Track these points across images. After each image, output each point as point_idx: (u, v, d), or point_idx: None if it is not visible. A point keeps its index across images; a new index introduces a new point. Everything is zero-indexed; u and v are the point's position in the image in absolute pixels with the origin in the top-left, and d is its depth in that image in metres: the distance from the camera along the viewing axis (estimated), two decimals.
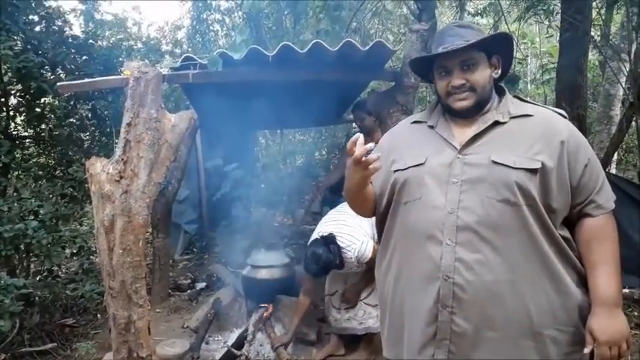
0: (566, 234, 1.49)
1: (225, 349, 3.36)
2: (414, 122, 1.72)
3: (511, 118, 1.52)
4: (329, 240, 3.04)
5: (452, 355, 1.47)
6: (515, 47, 1.63)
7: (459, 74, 1.53)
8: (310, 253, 3.04)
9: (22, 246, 3.49)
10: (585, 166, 1.46)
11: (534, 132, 1.47)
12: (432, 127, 1.63)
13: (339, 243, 3.03)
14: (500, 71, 1.61)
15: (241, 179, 5.19)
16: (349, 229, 3.05)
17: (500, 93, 1.61)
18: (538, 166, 1.41)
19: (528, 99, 1.63)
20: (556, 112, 1.56)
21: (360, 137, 1.42)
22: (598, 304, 1.43)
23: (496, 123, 1.52)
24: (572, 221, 1.51)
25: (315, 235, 3.18)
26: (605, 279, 1.44)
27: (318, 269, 3.03)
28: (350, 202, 1.75)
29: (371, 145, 1.42)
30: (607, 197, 1.49)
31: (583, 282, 1.48)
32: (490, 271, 1.42)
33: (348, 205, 3.38)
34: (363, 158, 1.40)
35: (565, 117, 1.55)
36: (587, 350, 1.43)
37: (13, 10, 3.60)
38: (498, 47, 1.58)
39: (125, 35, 5.45)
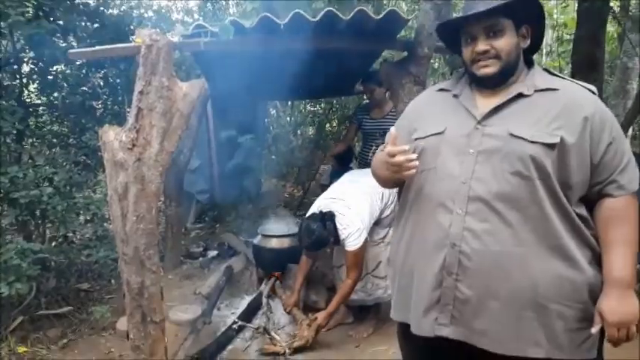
0: (583, 212, 1.47)
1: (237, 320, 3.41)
2: (440, 90, 1.71)
3: (536, 91, 1.49)
4: (327, 217, 3.06)
5: (454, 320, 1.50)
6: (544, 15, 1.58)
7: (484, 40, 1.50)
8: (305, 227, 3.07)
9: (37, 212, 3.55)
10: (609, 145, 1.42)
11: (557, 106, 1.44)
12: (456, 96, 1.62)
13: (336, 223, 3.05)
14: (529, 42, 1.57)
15: (252, 150, 5.20)
16: (350, 212, 3.05)
17: (530, 65, 1.58)
18: (556, 141, 1.38)
19: (557, 72, 1.59)
20: (585, 87, 1.52)
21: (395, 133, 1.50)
22: (610, 284, 1.42)
23: (520, 95, 1.49)
24: (592, 200, 1.48)
25: (314, 209, 3.20)
26: (620, 260, 1.42)
27: (310, 243, 3.07)
28: (376, 179, 1.78)
29: (414, 156, 1.48)
30: (630, 178, 1.46)
31: (597, 261, 1.47)
32: (497, 242, 1.42)
33: (352, 180, 3.41)
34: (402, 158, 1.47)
35: (594, 93, 1.50)
36: (594, 330, 1.43)
37: None
38: (528, 16, 1.53)
39: (136, 3, 5.40)
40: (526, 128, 1.43)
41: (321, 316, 3.15)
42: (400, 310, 1.73)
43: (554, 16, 8.48)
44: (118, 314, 3.56)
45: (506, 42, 1.49)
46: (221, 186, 6.25)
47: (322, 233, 3.02)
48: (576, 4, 4.79)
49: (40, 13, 3.76)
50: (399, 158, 1.47)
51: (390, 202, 3.25)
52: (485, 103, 1.54)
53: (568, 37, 7.81)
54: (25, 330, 3.36)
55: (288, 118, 8.13)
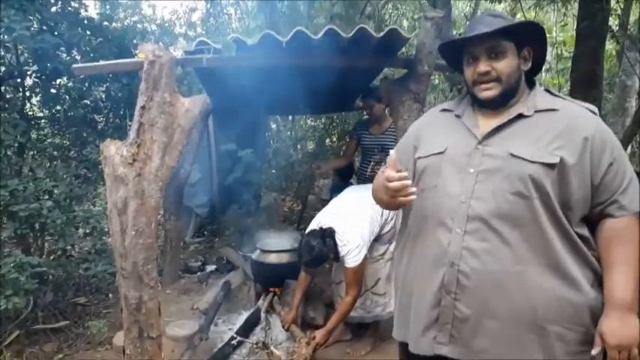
0: (585, 232, 1.46)
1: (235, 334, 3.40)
2: (443, 110, 1.73)
3: (536, 111, 1.50)
4: (327, 233, 3.05)
5: (453, 339, 1.50)
6: (546, 38, 1.60)
7: (486, 61, 1.52)
8: (305, 243, 3.06)
9: (36, 225, 3.55)
10: (610, 165, 1.42)
11: (557, 127, 1.45)
12: (458, 116, 1.64)
13: (336, 239, 3.04)
14: (530, 64, 1.58)
15: (252, 164, 5.20)
16: (350, 229, 3.05)
17: (532, 86, 1.60)
18: (556, 161, 1.39)
19: (559, 93, 1.60)
20: (586, 107, 1.53)
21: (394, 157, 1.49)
22: (611, 306, 1.41)
23: (520, 116, 1.51)
24: (594, 220, 1.48)
25: (314, 225, 3.20)
26: (621, 281, 1.41)
27: (310, 259, 3.06)
28: (377, 202, 1.77)
29: (407, 180, 1.48)
30: (631, 198, 1.45)
31: (599, 282, 1.46)
32: (496, 261, 1.43)
33: (352, 196, 3.40)
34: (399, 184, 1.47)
35: (595, 113, 1.51)
36: (594, 352, 1.42)
37: None
38: (530, 39, 1.55)
39: (139, 17, 5.45)
40: (526, 148, 1.43)
41: (319, 334, 3.12)
42: (401, 328, 1.73)
43: (554, 33, 8.55)
44: (114, 329, 3.53)
45: (507, 64, 1.51)
46: (220, 200, 6.25)
47: (322, 250, 3.01)
48: (575, 22, 4.84)
49: (45, 27, 3.80)
50: (396, 184, 1.48)
51: (390, 219, 3.24)
52: (486, 123, 1.56)
53: (567, 54, 7.87)
54: (20, 344, 3.33)
55: (289, 133, 8.16)
